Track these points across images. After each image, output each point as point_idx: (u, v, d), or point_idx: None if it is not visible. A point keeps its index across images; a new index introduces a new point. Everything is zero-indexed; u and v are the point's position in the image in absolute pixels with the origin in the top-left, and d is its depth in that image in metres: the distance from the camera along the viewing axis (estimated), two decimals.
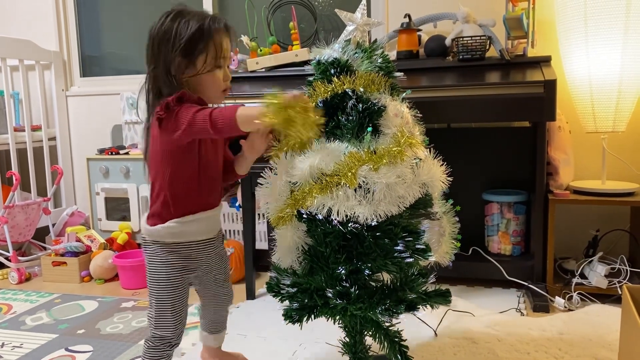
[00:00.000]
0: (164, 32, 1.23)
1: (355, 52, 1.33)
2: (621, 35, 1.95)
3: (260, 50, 2.38)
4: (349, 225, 1.15)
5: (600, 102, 2.04)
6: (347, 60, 1.30)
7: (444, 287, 1.33)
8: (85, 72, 3.26)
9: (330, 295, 1.21)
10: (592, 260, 2.12)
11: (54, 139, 3.15)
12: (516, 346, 1.64)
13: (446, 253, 1.33)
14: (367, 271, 1.21)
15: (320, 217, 1.17)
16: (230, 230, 2.60)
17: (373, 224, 1.14)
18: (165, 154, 1.24)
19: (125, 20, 3.18)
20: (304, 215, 1.20)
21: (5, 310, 2.18)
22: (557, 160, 2.13)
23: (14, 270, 2.56)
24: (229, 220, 2.58)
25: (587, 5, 1.97)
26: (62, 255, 2.57)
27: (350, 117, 1.23)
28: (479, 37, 2.06)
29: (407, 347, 1.31)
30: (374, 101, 1.24)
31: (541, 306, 1.94)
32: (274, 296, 1.32)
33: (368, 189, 1.15)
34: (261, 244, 2.47)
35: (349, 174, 1.14)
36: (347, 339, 1.38)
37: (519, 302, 2.01)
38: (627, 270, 2.06)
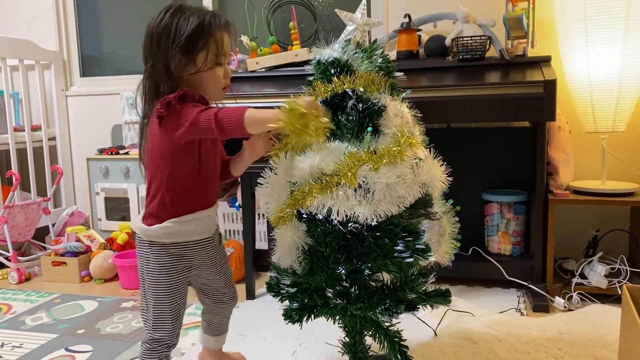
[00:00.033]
0: (163, 28, 1.20)
1: (355, 52, 1.33)
2: (621, 35, 1.95)
3: (260, 50, 2.38)
4: (349, 225, 1.15)
5: (600, 102, 2.04)
6: (347, 60, 1.30)
7: (444, 287, 1.33)
8: (85, 72, 3.26)
9: (330, 295, 1.21)
10: (592, 260, 2.12)
11: (53, 138, 3.15)
12: (516, 346, 1.64)
13: (446, 253, 1.33)
14: (367, 271, 1.21)
15: (320, 217, 1.17)
16: (230, 230, 2.60)
17: (373, 223, 1.14)
18: (164, 153, 1.22)
19: (125, 20, 3.18)
20: (304, 215, 1.20)
21: (5, 310, 2.18)
22: (557, 160, 2.13)
23: (13, 270, 2.56)
24: (229, 220, 2.58)
25: (587, 5, 1.97)
26: (62, 255, 2.57)
27: (350, 117, 1.23)
28: (479, 37, 2.06)
29: (407, 347, 1.31)
30: (374, 101, 1.24)
31: (541, 306, 1.94)
32: (274, 296, 1.32)
33: (368, 189, 1.15)
34: (261, 244, 2.47)
35: (349, 174, 1.14)
36: (347, 339, 1.38)
37: (518, 302, 2.01)
38: (627, 270, 2.06)
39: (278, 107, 1.12)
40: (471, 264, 2.18)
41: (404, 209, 1.17)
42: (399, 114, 1.24)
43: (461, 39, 2.08)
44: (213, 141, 1.30)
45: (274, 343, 1.74)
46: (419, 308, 1.23)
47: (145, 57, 1.24)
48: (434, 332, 1.74)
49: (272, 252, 1.31)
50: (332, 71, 1.28)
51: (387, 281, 1.27)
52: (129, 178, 2.81)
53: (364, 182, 1.15)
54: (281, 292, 1.29)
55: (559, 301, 1.96)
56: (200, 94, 1.22)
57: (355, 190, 1.15)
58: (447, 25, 2.37)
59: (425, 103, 1.73)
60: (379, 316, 1.21)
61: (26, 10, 3.20)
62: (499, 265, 2.11)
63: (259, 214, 2.37)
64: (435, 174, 1.23)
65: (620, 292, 1.86)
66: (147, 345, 1.30)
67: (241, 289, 2.19)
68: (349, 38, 1.36)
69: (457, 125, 2.37)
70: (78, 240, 2.67)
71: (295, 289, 1.27)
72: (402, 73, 1.38)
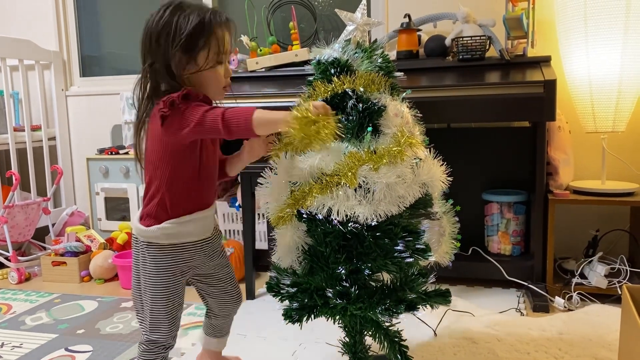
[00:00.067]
0: (162, 25, 1.18)
1: (355, 52, 1.33)
2: (621, 35, 1.95)
3: (260, 50, 2.37)
4: (349, 225, 1.15)
5: (600, 102, 2.04)
6: (347, 60, 1.30)
7: (443, 287, 1.33)
8: (85, 72, 3.26)
9: (330, 295, 1.21)
10: (592, 260, 2.12)
11: (53, 138, 3.14)
12: (516, 346, 1.64)
13: (446, 253, 1.33)
14: (367, 271, 1.21)
15: (320, 217, 1.17)
16: (230, 230, 2.60)
17: (373, 223, 1.14)
18: (165, 153, 1.20)
19: (125, 20, 3.18)
20: (304, 215, 1.20)
21: (5, 310, 2.17)
22: (557, 160, 2.13)
23: (13, 270, 2.56)
24: (229, 220, 2.58)
25: (587, 5, 1.97)
26: (62, 255, 2.57)
27: (351, 117, 1.23)
28: (478, 37, 2.06)
29: (407, 347, 1.30)
30: (374, 101, 1.24)
31: (541, 306, 1.94)
32: (274, 296, 1.31)
33: (368, 188, 1.15)
34: (261, 244, 2.47)
35: (349, 173, 1.14)
36: (347, 339, 1.38)
37: (518, 302, 2.01)
38: (626, 270, 2.06)
39: (288, 107, 1.11)
40: (471, 264, 2.18)
41: (404, 209, 1.17)
42: (399, 114, 1.24)
43: (461, 39, 2.08)
44: (212, 141, 1.28)
45: (274, 343, 1.74)
46: (419, 308, 1.23)
47: (144, 55, 1.22)
48: (434, 332, 1.74)
49: (272, 252, 1.31)
50: (332, 71, 1.28)
51: (387, 281, 1.27)
52: (129, 178, 2.81)
53: (364, 182, 1.15)
54: (281, 292, 1.29)
55: (558, 301, 1.96)
56: (204, 94, 1.21)
57: (355, 190, 1.14)
58: (447, 25, 2.37)
59: (425, 103, 1.73)
60: (379, 316, 1.21)
61: (26, 10, 3.20)
62: (498, 265, 2.11)
63: (259, 214, 2.37)
64: (435, 174, 1.23)
65: (620, 292, 1.86)
66: (144, 346, 1.29)
67: (241, 289, 2.18)
68: (349, 38, 1.36)
69: (457, 125, 2.37)
70: (78, 240, 2.67)
71: (295, 289, 1.27)
72: (402, 73, 1.38)
